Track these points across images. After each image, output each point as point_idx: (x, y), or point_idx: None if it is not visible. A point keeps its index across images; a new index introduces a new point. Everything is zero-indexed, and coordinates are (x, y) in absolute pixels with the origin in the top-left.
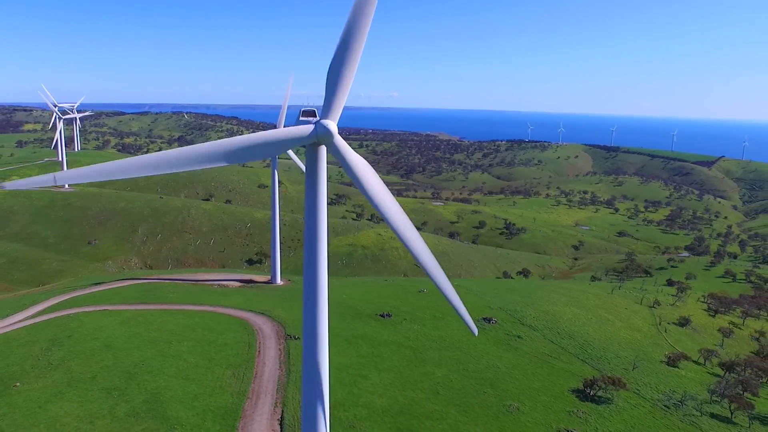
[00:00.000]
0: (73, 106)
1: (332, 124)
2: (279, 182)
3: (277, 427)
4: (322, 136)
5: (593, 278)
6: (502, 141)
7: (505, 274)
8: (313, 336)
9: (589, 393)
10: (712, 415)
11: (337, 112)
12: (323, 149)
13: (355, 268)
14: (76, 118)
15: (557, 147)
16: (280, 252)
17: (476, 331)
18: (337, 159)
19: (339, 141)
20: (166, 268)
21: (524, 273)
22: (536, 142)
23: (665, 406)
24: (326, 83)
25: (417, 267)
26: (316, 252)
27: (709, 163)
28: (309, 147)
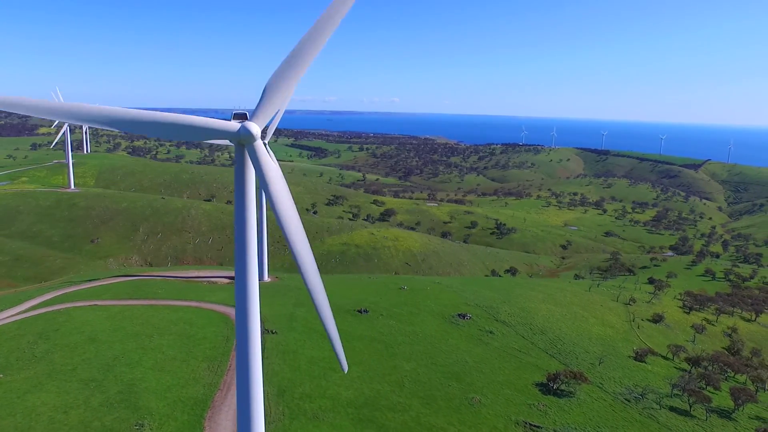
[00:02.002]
0: None
1: (255, 127)
2: None
3: None
4: (244, 136)
5: (576, 276)
6: (497, 144)
7: (493, 273)
8: (245, 333)
9: (552, 386)
10: (672, 409)
11: (264, 118)
12: (258, 147)
13: (347, 266)
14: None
15: (550, 150)
16: (269, 250)
17: (346, 368)
18: (252, 162)
19: (259, 145)
20: (166, 266)
21: (512, 271)
22: (530, 145)
23: (626, 399)
24: (263, 92)
25: (409, 265)
26: (245, 248)
27: (695, 166)
28: (237, 146)
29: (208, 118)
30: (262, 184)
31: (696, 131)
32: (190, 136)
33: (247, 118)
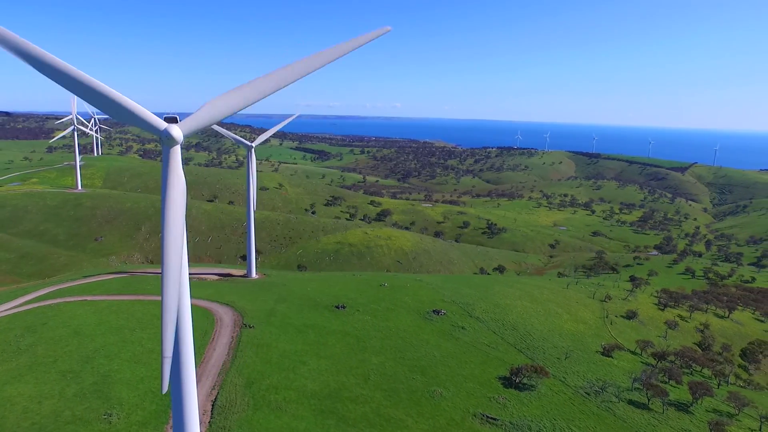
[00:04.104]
0: (93, 114)
1: (176, 130)
2: (280, 185)
3: (209, 408)
4: (165, 137)
5: (560, 274)
6: (492, 148)
7: (482, 270)
8: (174, 330)
9: (515, 380)
10: (630, 402)
11: (189, 126)
12: (175, 150)
13: (341, 264)
14: (96, 125)
15: (543, 154)
16: (265, 249)
17: (165, 389)
18: (163, 162)
19: (176, 150)
20: None
21: (500, 269)
22: (524, 149)
23: (586, 393)
24: (202, 106)
25: (400, 263)
26: (172, 247)
27: (682, 169)
28: (163, 147)
29: (144, 109)
30: (163, 186)
31: (683, 135)
32: (122, 117)
33: (176, 121)
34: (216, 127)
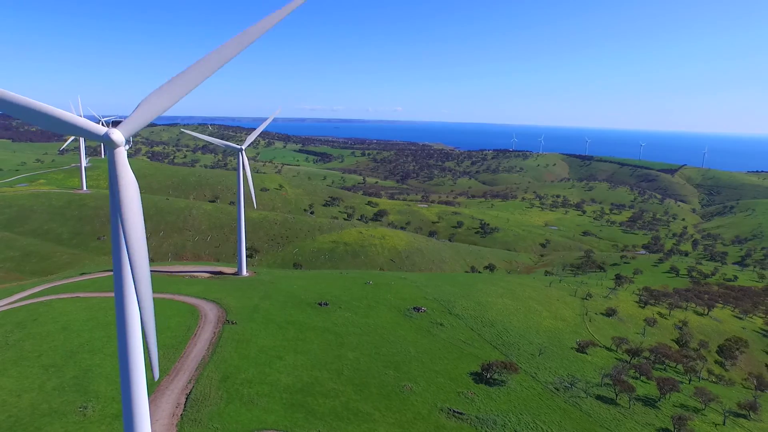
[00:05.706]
0: (100, 119)
1: (117, 134)
2: (280, 186)
3: (183, 401)
4: (106, 140)
5: (547, 272)
6: (489, 150)
7: (473, 269)
8: (123, 333)
9: (486, 376)
10: (598, 397)
11: (130, 128)
12: (118, 153)
13: (336, 262)
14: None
15: (538, 156)
16: (262, 248)
17: (157, 376)
18: (110, 165)
19: (120, 152)
20: (167, 261)
21: (490, 267)
22: (519, 151)
23: (555, 388)
24: (138, 106)
25: (393, 262)
26: (120, 249)
27: (672, 171)
28: (108, 150)
29: (79, 117)
30: (113, 189)
31: (673, 138)
32: (59, 129)
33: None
34: (203, 137)
